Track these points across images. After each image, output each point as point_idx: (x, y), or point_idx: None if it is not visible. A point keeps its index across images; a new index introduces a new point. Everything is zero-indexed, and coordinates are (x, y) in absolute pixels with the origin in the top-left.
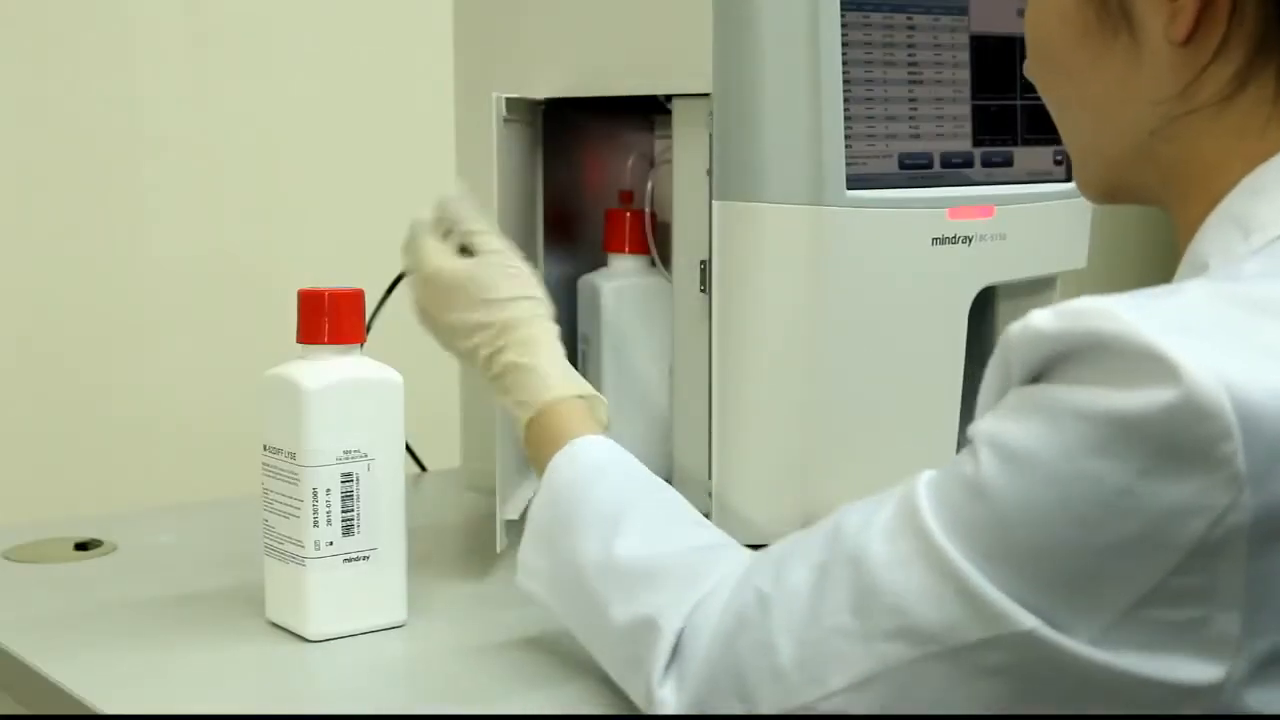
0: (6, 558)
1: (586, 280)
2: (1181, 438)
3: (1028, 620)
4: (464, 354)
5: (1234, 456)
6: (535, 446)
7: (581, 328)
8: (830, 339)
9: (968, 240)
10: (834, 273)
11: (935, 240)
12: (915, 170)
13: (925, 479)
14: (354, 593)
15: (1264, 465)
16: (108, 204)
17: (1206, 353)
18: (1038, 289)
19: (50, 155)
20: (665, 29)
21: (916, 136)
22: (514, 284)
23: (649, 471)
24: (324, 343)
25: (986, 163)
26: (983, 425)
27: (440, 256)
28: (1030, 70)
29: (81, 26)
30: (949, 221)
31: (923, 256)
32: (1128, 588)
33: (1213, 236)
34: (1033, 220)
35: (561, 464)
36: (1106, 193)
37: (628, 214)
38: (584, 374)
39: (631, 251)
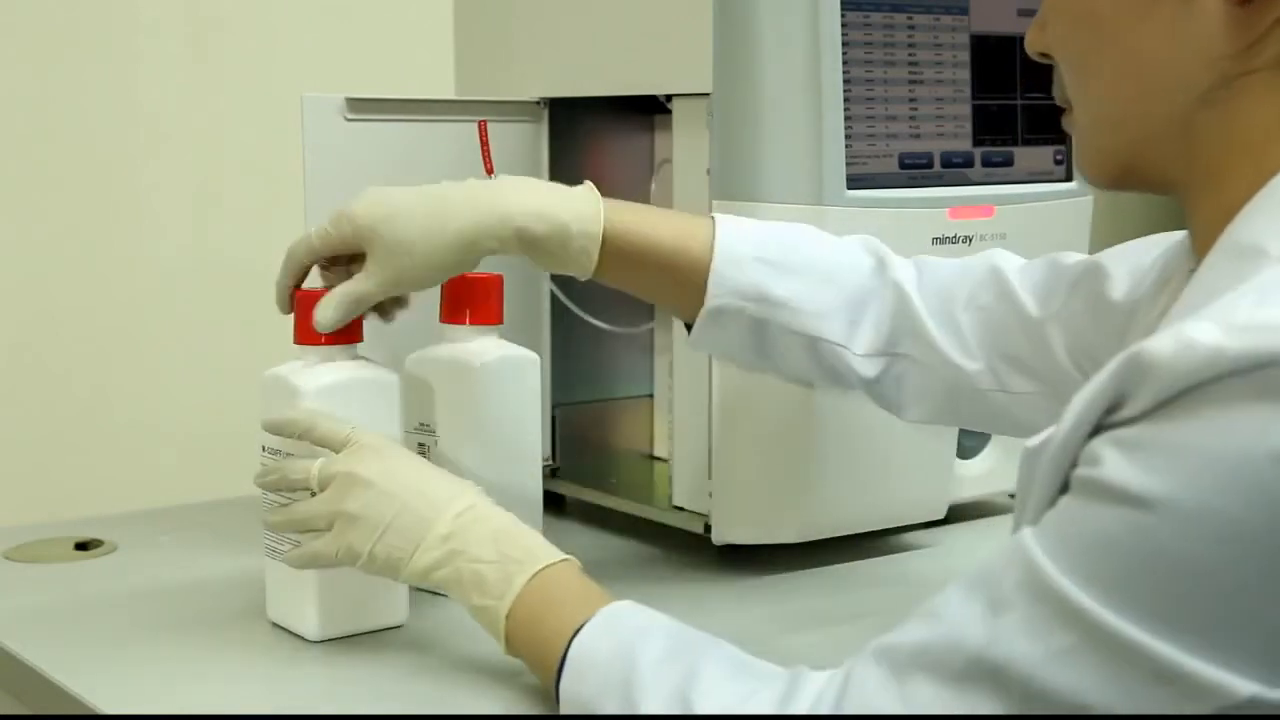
0: (6, 558)
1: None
2: None
3: (1244, 687)
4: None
5: None
6: (536, 617)
7: (420, 417)
8: None
9: (968, 240)
10: None
11: (935, 240)
12: (915, 170)
13: (1039, 550)
14: (354, 593)
15: None
16: (108, 204)
17: None
18: None
19: (50, 155)
20: (665, 29)
21: (917, 136)
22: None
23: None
24: (321, 343)
25: (987, 163)
26: (1115, 475)
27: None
28: (1060, 36)
29: (81, 26)
30: (949, 221)
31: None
32: None
33: (1269, 216)
34: (1033, 220)
35: (597, 633)
36: (1118, 174)
37: (475, 280)
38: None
39: (475, 323)
